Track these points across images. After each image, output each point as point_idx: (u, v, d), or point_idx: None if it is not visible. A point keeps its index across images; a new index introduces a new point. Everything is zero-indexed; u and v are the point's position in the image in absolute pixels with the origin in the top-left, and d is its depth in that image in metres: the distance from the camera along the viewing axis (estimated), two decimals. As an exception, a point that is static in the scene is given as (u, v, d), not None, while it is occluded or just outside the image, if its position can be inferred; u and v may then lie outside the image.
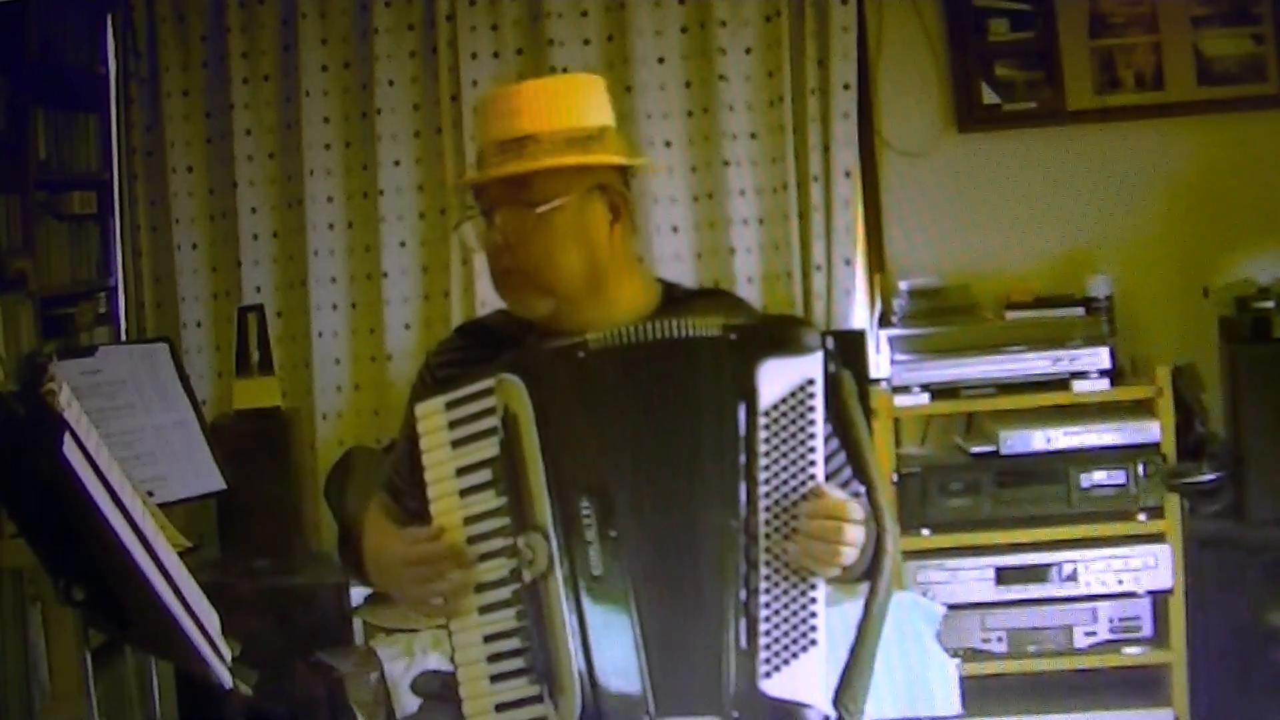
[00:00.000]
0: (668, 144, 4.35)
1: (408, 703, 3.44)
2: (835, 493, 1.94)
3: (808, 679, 1.91)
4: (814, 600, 1.92)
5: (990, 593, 3.94)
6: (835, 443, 2.05)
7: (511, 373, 1.97)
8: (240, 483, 3.76)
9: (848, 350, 3.95)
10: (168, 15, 4.48)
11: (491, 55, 4.37)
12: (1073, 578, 3.93)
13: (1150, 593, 3.92)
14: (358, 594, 3.90)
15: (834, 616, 1.96)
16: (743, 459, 1.92)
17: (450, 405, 2.02)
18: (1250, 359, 3.87)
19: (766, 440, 1.92)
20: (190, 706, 3.50)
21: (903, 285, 4.28)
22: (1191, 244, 4.28)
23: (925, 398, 4.00)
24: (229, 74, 4.43)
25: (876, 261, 4.43)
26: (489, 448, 1.99)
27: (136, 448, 3.52)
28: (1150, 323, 4.27)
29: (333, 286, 4.47)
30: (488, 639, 1.98)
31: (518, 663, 1.97)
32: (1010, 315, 4.17)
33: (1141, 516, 3.91)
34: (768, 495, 1.92)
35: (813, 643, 1.91)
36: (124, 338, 4.56)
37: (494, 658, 1.98)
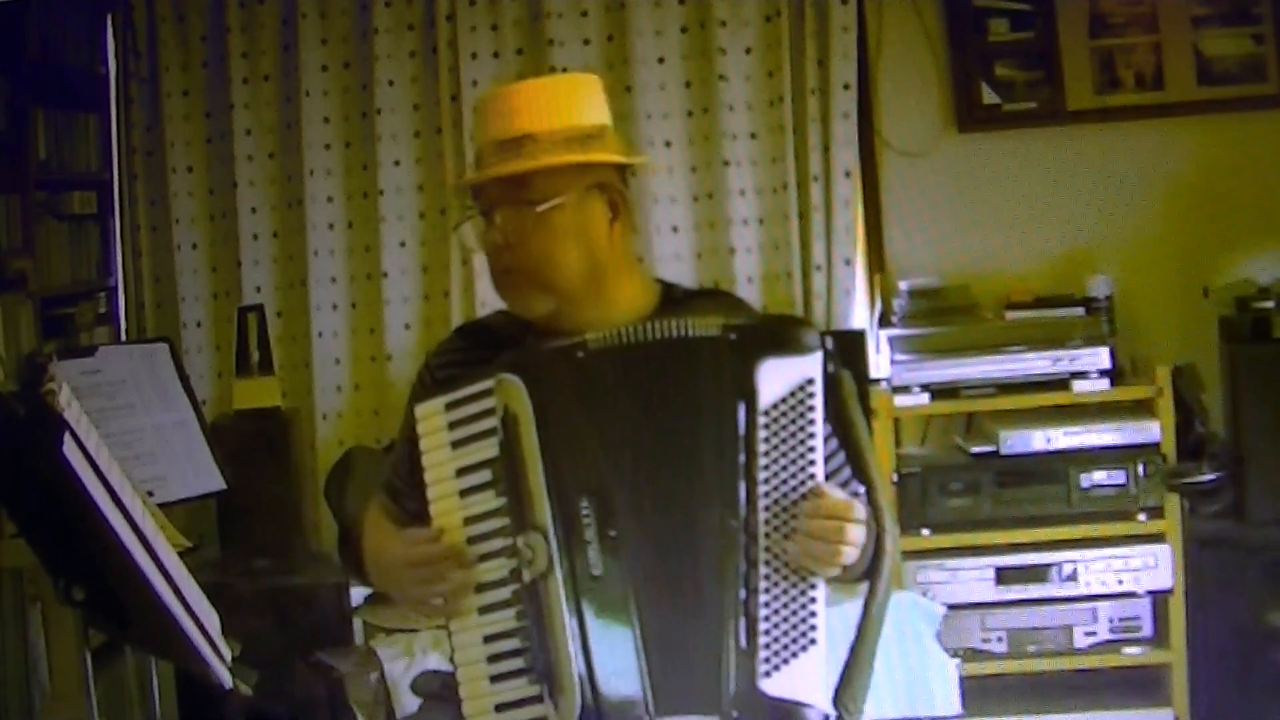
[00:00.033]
0: (668, 144, 4.35)
1: (408, 703, 3.44)
2: (835, 492, 1.94)
3: (807, 678, 1.91)
4: (814, 600, 1.92)
5: (990, 593, 3.94)
6: (835, 442, 2.05)
7: (511, 373, 1.97)
8: (240, 483, 3.76)
9: (848, 350, 3.95)
10: (168, 15, 4.48)
11: (491, 55, 4.37)
12: (1073, 578, 3.93)
13: (1150, 593, 3.92)
14: (358, 594, 3.90)
15: (834, 616, 1.96)
16: (742, 458, 1.92)
17: (450, 406, 2.02)
18: (1250, 359, 3.87)
19: (766, 440, 1.92)
20: (190, 706, 3.50)
21: (903, 285, 4.28)
22: (1191, 244, 4.28)
23: (925, 398, 4.00)
24: (229, 74, 4.44)
25: (876, 261, 4.43)
26: (489, 448, 1.99)
27: (136, 448, 3.51)
28: (1150, 323, 4.27)
29: (333, 286, 4.47)
30: (488, 639, 1.99)
31: (517, 663, 1.97)
32: (1010, 315, 4.17)
33: (1141, 516, 3.91)
34: (767, 495, 1.92)
35: (812, 642, 1.91)
36: (124, 338, 4.56)
37: (494, 658, 1.98)
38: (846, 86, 4.27)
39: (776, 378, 1.93)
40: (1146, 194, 4.32)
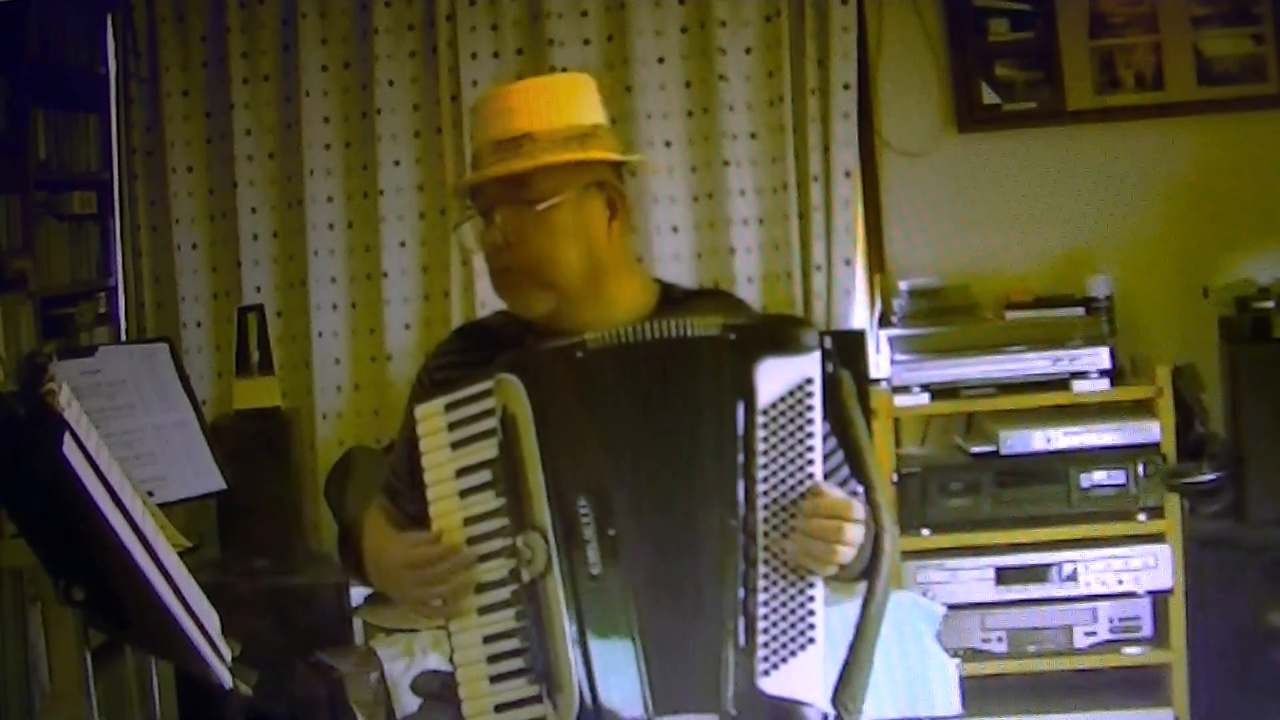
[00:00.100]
0: (668, 144, 4.35)
1: (408, 703, 3.44)
2: (834, 491, 1.94)
3: (806, 677, 1.91)
4: (812, 599, 1.92)
5: (990, 593, 3.94)
6: (834, 442, 2.05)
7: (510, 373, 1.98)
8: (240, 483, 3.76)
9: (848, 350, 3.94)
10: (168, 15, 4.48)
11: (491, 55, 4.38)
12: (1073, 578, 3.93)
13: (1150, 593, 3.92)
14: (358, 594, 3.90)
15: (834, 616, 1.96)
16: (741, 458, 1.92)
17: (450, 407, 2.02)
18: (1250, 359, 3.87)
19: (765, 439, 1.92)
20: (190, 706, 3.50)
21: (903, 285, 4.28)
22: (1191, 244, 4.28)
23: (925, 398, 4.00)
24: (229, 74, 4.44)
25: (876, 261, 4.43)
26: (488, 448, 1.99)
27: (136, 448, 3.52)
28: (1150, 323, 4.27)
29: (333, 286, 4.47)
30: (487, 639, 1.99)
31: (517, 663, 1.97)
32: (1010, 315, 4.17)
33: (1141, 516, 3.91)
34: (766, 494, 1.92)
35: (811, 641, 1.91)
36: (124, 338, 4.56)
37: (493, 658, 1.98)
38: (846, 86, 4.27)
39: (775, 377, 1.93)
40: (1146, 194, 4.32)
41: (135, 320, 4.59)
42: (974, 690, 3.77)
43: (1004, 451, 3.95)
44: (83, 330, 4.37)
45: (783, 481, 1.93)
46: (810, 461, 1.93)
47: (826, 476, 1.98)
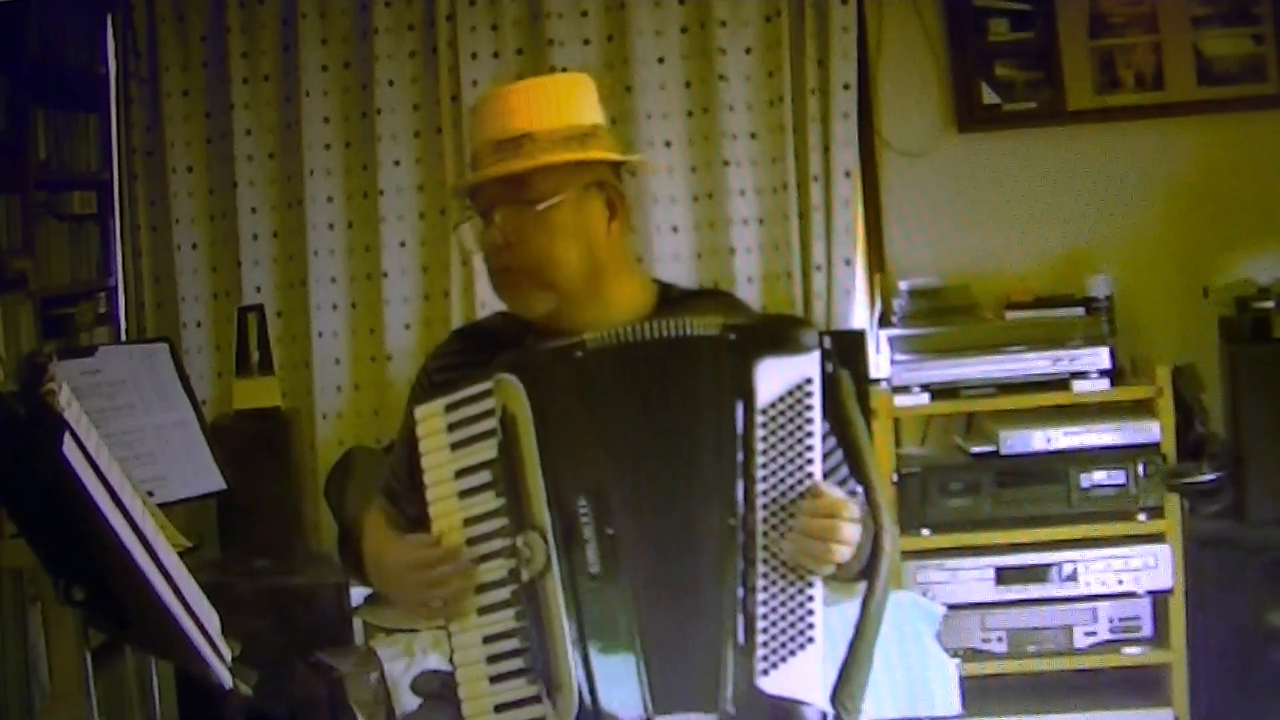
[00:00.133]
0: (668, 144, 4.35)
1: (408, 702, 3.43)
2: (831, 490, 1.95)
3: (805, 676, 1.91)
4: (811, 598, 1.92)
5: (990, 593, 3.94)
6: (833, 441, 2.05)
7: (509, 373, 1.98)
8: (240, 483, 3.76)
9: (848, 350, 3.94)
10: (168, 15, 4.48)
11: (491, 55, 4.38)
12: (1073, 578, 3.93)
13: (1150, 593, 3.92)
14: (358, 594, 3.90)
15: (834, 616, 1.96)
16: (740, 457, 1.93)
17: (450, 408, 2.02)
18: (1250, 359, 3.86)
19: (764, 438, 1.92)
20: (190, 706, 3.50)
21: (903, 285, 4.28)
22: (1191, 244, 4.28)
23: (925, 398, 4.00)
24: (229, 74, 4.44)
25: (876, 261, 4.43)
26: (488, 449, 1.99)
27: (136, 448, 3.52)
28: (1150, 323, 4.27)
29: (333, 286, 4.47)
30: (487, 640, 1.99)
31: (516, 663, 1.97)
32: (1010, 315, 4.17)
33: (1141, 516, 3.91)
34: (765, 493, 1.93)
35: (810, 640, 1.91)
36: (124, 338, 4.56)
37: (493, 658, 1.98)
38: (846, 86, 4.27)
39: (775, 377, 1.93)
40: (1146, 194, 4.32)
41: (135, 320, 4.59)
42: (974, 690, 3.77)
43: (1004, 451, 3.95)
44: (83, 330, 4.37)
45: (782, 481, 1.93)
46: (810, 461, 1.93)
47: (826, 476, 1.98)
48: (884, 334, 4.15)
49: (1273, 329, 3.86)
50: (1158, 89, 4.32)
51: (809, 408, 1.93)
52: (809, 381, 1.94)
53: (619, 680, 1.93)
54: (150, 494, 3.16)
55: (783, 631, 1.91)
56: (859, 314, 4.35)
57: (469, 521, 2.00)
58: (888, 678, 3.54)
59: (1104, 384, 3.94)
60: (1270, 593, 3.80)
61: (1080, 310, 4.15)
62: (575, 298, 2.11)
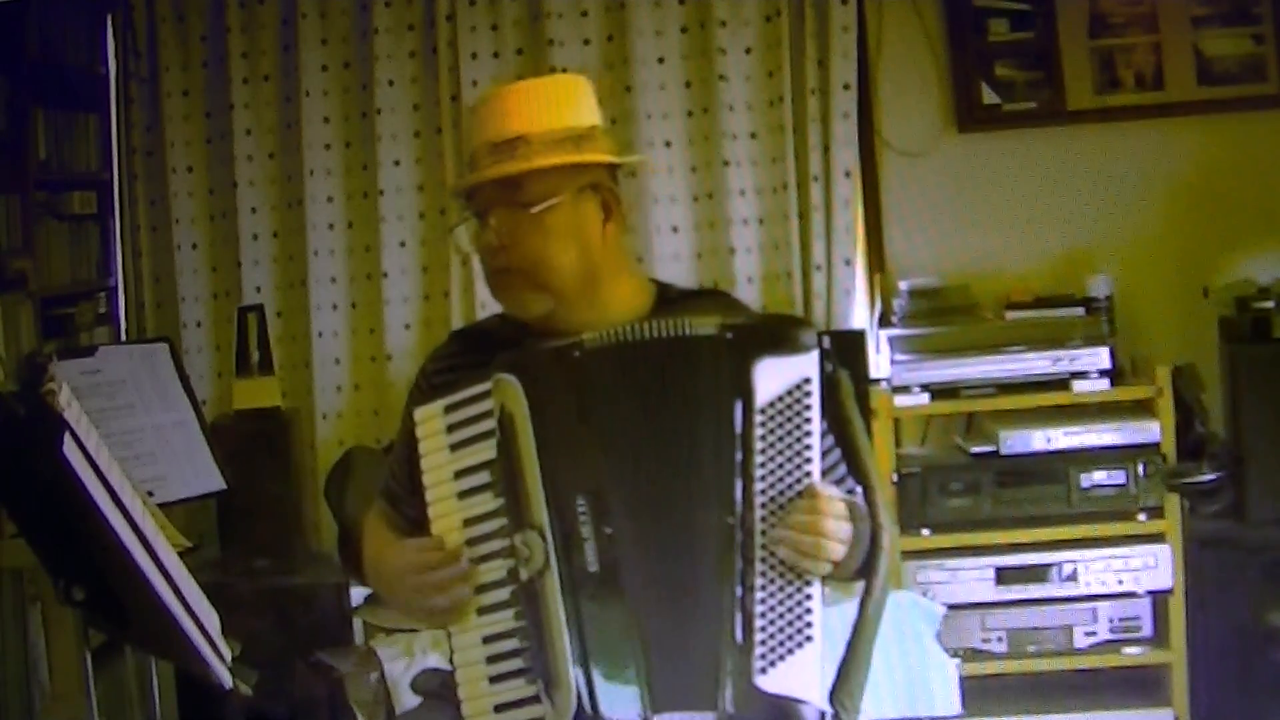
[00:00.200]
0: (668, 144, 4.35)
1: (408, 702, 3.44)
2: (826, 490, 1.95)
3: (803, 675, 1.91)
4: (810, 597, 1.92)
5: (990, 593, 3.94)
6: (832, 441, 2.05)
7: (508, 373, 1.98)
8: (240, 483, 3.76)
9: (847, 350, 3.95)
10: (168, 15, 4.48)
11: (491, 55, 4.38)
12: (1073, 578, 3.93)
13: (1150, 593, 3.92)
14: (358, 594, 3.91)
15: (833, 616, 1.96)
16: (739, 456, 1.92)
17: (449, 409, 2.02)
18: (1250, 359, 3.87)
19: (763, 438, 1.92)
20: (190, 706, 3.50)
21: (903, 285, 4.28)
22: (1191, 244, 4.28)
23: (925, 398, 4.00)
24: (229, 74, 4.44)
25: (876, 261, 4.43)
26: (487, 450, 1.99)
27: (136, 448, 3.52)
28: (1150, 323, 4.27)
29: (333, 286, 4.47)
30: (486, 640, 1.99)
31: (516, 663, 1.97)
32: (1010, 315, 4.17)
33: (1141, 516, 3.91)
34: (764, 492, 1.92)
35: (808, 639, 1.91)
36: (124, 338, 4.56)
37: (492, 659, 1.98)
38: (846, 86, 4.27)
39: (773, 376, 1.93)
40: (1146, 194, 4.32)
41: (135, 320, 4.59)
42: (974, 690, 3.77)
43: (1004, 451, 3.95)
44: (83, 330, 4.37)
45: (780, 480, 1.93)
46: (808, 460, 1.93)
47: (825, 475, 1.98)
48: (884, 334, 4.15)
49: (1273, 329, 3.86)
50: (1158, 89, 4.32)
51: (808, 407, 1.93)
52: (808, 381, 1.94)
53: (617, 679, 1.93)
54: (150, 494, 3.17)
55: (781, 630, 1.91)
56: (859, 314, 4.36)
57: (468, 522, 2.00)
58: (888, 678, 3.54)
59: (1104, 384, 3.94)
60: (1270, 593, 3.80)
61: (1080, 310, 4.15)
62: (571, 299, 2.11)
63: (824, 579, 1.94)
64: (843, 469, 2.07)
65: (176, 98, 4.49)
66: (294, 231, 4.47)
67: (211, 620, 2.40)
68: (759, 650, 1.90)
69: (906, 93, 4.40)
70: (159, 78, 4.50)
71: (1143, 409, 3.97)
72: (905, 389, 3.99)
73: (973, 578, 3.94)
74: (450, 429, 2.01)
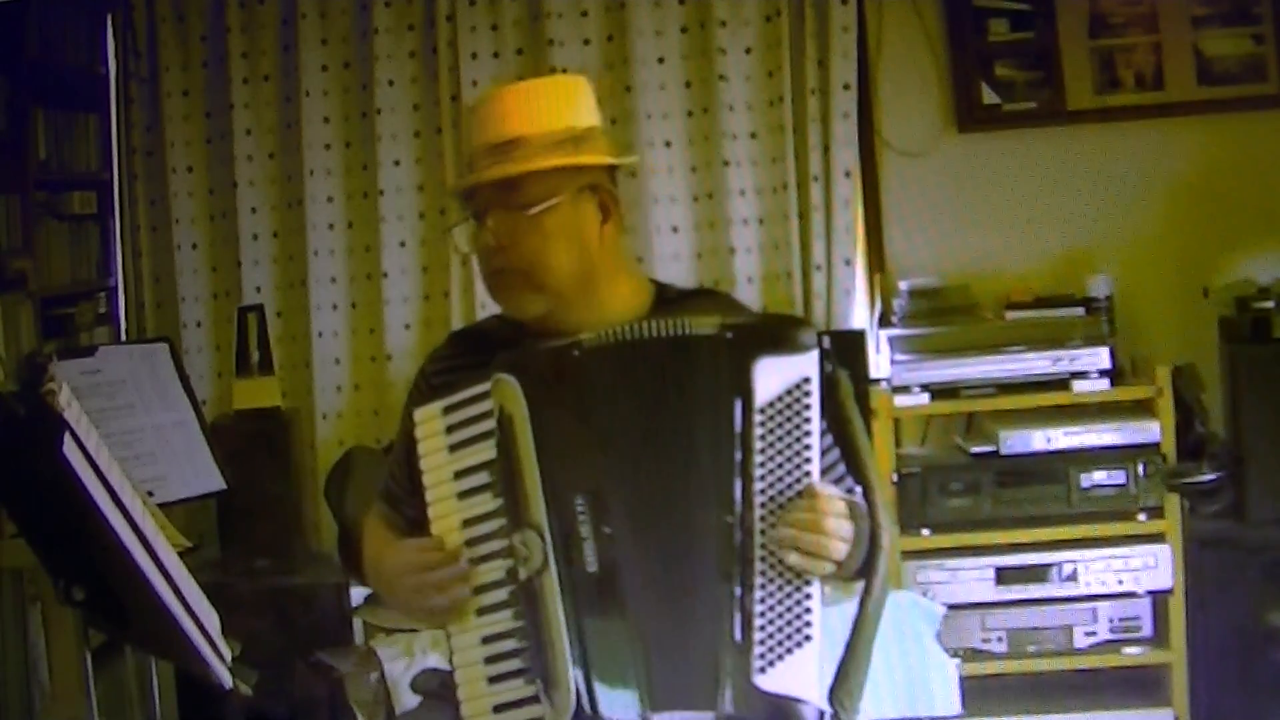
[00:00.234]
0: (668, 144, 4.35)
1: (408, 702, 3.44)
2: (826, 489, 1.94)
3: (803, 674, 1.91)
4: (809, 596, 1.92)
5: (990, 593, 3.94)
6: (831, 441, 2.04)
7: (507, 373, 1.97)
8: (240, 483, 3.77)
9: (847, 350, 3.95)
10: (168, 15, 4.49)
11: (491, 55, 4.38)
12: (1073, 578, 3.93)
13: (1150, 593, 3.92)
14: (358, 594, 3.91)
15: (833, 615, 1.96)
16: (738, 456, 1.92)
17: (448, 410, 2.02)
18: (1250, 359, 3.87)
19: (762, 437, 1.92)
20: (190, 706, 3.50)
21: (903, 285, 4.28)
22: (1191, 244, 4.28)
23: (925, 398, 4.00)
24: (229, 74, 4.44)
25: (876, 261, 4.43)
26: (486, 450, 1.99)
27: (136, 448, 3.52)
28: (1150, 323, 4.27)
29: (333, 286, 4.47)
30: (486, 640, 1.99)
31: (515, 663, 1.97)
32: (1010, 315, 4.18)
33: (1141, 516, 3.91)
34: (763, 492, 1.92)
35: (808, 638, 1.91)
36: (124, 338, 4.56)
37: (492, 659, 1.98)
38: (846, 86, 4.27)
39: (773, 376, 1.93)
40: (1146, 194, 4.32)
41: (135, 320, 4.60)
42: (974, 690, 3.77)
43: (1004, 451, 3.95)
44: (83, 330, 4.37)
45: (780, 480, 1.93)
46: (808, 460, 1.93)
47: (824, 475, 1.97)
48: (884, 334, 4.15)
49: (1273, 329, 3.86)
50: (1158, 89, 4.32)
51: (807, 407, 1.93)
52: (807, 381, 1.93)
53: (616, 679, 1.93)
54: (150, 494, 3.17)
55: (780, 630, 1.91)
56: (859, 314, 4.36)
57: (468, 523, 2.00)
58: (888, 678, 3.54)
59: (1104, 384, 3.94)
60: (1270, 593, 3.80)
61: (1080, 310, 4.15)
62: (569, 300, 2.11)
63: (824, 579, 1.94)
64: (842, 469, 2.07)
65: (176, 98, 4.49)
66: (294, 231, 4.47)
67: (211, 620, 2.40)
68: (758, 650, 1.90)
69: (906, 93, 4.41)
70: (159, 78, 4.50)
71: (1143, 409, 3.98)
72: (905, 389, 3.99)
73: (973, 578, 3.94)
74: (449, 429, 2.01)
